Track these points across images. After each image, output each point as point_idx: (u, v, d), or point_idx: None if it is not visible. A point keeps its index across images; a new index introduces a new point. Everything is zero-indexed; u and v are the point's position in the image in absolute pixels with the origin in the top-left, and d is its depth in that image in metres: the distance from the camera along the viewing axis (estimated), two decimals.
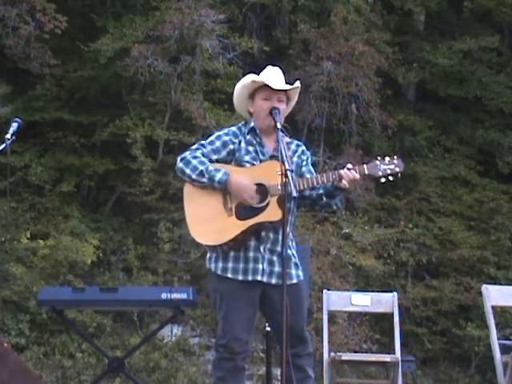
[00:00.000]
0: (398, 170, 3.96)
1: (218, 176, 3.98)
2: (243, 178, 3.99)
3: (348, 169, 3.93)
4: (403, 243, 13.20)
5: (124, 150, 12.68)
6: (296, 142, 4.27)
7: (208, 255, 4.15)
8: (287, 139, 4.16)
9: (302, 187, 3.93)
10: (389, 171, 3.95)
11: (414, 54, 15.08)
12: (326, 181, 3.96)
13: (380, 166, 3.96)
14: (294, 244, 4.19)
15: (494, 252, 13.46)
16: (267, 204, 3.95)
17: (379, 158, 4.00)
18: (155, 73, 12.21)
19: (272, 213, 3.93)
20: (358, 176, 3.93)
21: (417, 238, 13.28)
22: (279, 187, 3.88)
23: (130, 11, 13.28)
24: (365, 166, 3.97)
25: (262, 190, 3.98)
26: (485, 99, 14.73)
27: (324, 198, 4.07)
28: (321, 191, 4.06)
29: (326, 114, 13.33)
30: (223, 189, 3.99)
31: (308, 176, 4.07)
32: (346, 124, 13.53)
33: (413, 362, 8.99)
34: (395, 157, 4.00)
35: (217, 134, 4.20)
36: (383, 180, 3.98)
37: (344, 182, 3.92)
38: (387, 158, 3.98)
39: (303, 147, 4.26)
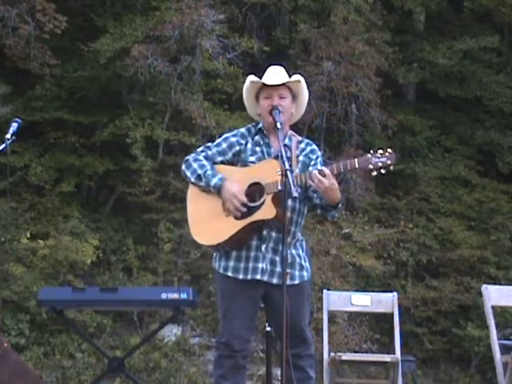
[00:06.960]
0: (389, 162, 3.91)
1: (214, 181, 4.03)
2: (236, 185, 3.99)
3: (319, 172, 3.86)
4: (403, 243, 13.19)
5: (124, 150, 12.67)
6: (307, 140, 4.28)
7: (214, 254, 4.19)
8: (298, 138, 4.20)
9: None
10: (380, 164, 3.91)
11: (414, 54, 15.05)
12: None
13: (371, 159, 3.92)
14: (303, 244, 4.19)
15: (494, 252, 13.45)
16: (263, 202, 3.96)
17: (372, 151, 3.97)
18: (155, 73, 12.19)
19: (266, 211, 3.94)
20: (326, 182, 3.81)
21: (417, 238, 13.27)
22: (275, 185, 3.90)
23: (130, 11, 13.26)
24: (355, 159, 3.94)
25: (259, 189, 3.99)
26: (485, 99, 14.72)
27: (318, 210, 4.09)
28: (317, 201, 4.06)
29: (326, 114, 13.32)
30: (218, 194, 4.03)
31: None
32: (346, 124, 13.52)
33: (413, 362, 8.96)
34: (389, 149, 3.96)
35: (225, 135, 4.24)
36: (375, 173, 3.95)
37: (312, 183, 3.86)
38: (380, 151, 3.94)
39: (313, 146, 4.25)
